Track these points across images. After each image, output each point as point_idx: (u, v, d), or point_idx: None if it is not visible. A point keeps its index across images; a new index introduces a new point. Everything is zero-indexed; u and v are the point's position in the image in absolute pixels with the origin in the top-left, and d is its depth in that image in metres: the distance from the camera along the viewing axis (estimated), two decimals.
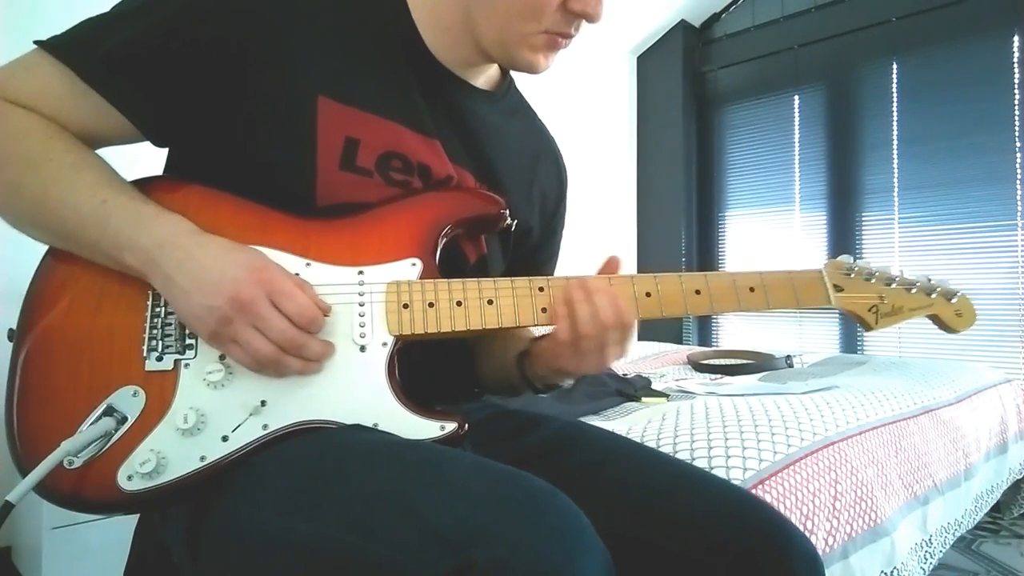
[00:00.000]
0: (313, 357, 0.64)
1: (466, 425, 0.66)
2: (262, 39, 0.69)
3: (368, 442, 0.62)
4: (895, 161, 3.08)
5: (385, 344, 0.67)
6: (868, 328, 0.81)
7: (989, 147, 2.81)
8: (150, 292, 0.66)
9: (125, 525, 0.84)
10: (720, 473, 1.10)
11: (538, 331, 0.79)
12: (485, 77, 0.84)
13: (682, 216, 3.72)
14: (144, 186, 0.69)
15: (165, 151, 0.78)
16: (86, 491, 0.61)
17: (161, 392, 0.63)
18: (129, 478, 0.60)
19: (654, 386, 1.89)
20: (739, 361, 2.42)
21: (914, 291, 0.81)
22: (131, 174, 0.70)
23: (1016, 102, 2.75)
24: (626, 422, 1.43)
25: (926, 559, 1.39)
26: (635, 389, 1.76)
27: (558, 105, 2.53)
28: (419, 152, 0.76)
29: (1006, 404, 2.09)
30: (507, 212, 0.77)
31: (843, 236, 3.24)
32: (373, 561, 0.51)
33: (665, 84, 3.81)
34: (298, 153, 0.70)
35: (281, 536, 0.56)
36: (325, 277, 0.68)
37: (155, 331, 0.65)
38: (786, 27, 3.46)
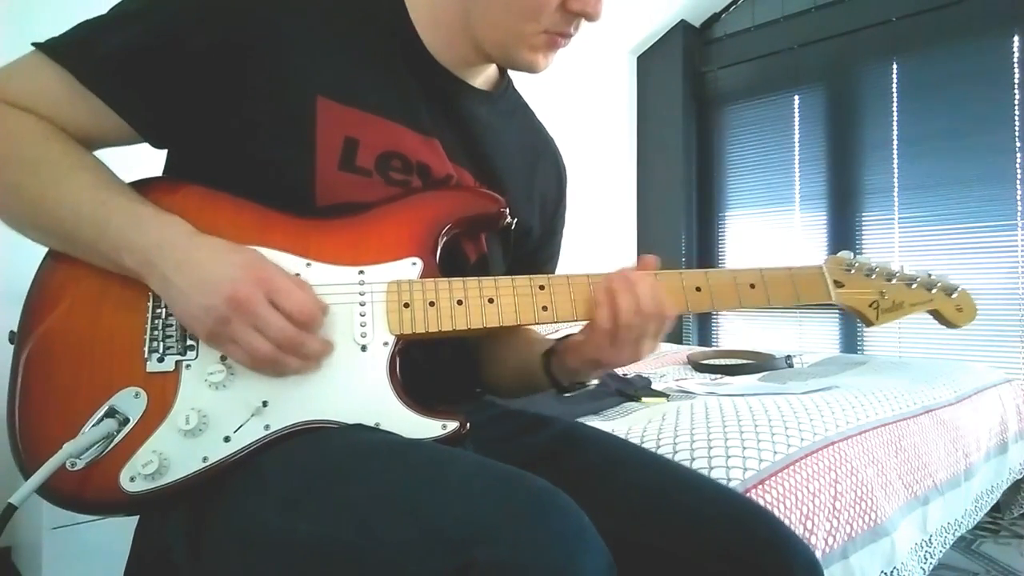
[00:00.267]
0: (312, 356, 0.64)
1: (468, 424, 0.66)
2: (260, 40, 0.69)
3: (370, 442, 0.62)
4: (895, 161, 3.08)
5: (386, 344, 0.67)
6: (869, 324, 0.81)
7: (989, 147, 2.81)
8: (150, 293, 0.66)
9: (125, 525, 0.84)
10: (720, 473, 1.10)
11: (567, 329, 0.80)
12: (483, 77, 0.84)
13: (682, 216, 3.72)
14: (143, 187, 0.69)
15: (164, 152, 0.78)
16: (88, 493, 0.61)
17: (163, 393, 0.63)
18: (131, 479, 0.60)
19: (654, 386, 1.89)
20: (739, 361, 2.42)
21: (914, 286, 0.81)
22: (130, 175, 0.70)
23: (1016, 102, 2.75)
24: (626, 422, 1.43)
25: (926, 559, 1.39)
26: (635, 389, 1.76)
27: (558, 105, 2.53)
28: (418, 151, 0.76)
29: (1006, 404, 2.09)
30: (507, 211, 0.77)
31: (843, 236, 3.24)
32: (375, 561, 0.51)
33: (665, 84, 3.81)
34: (297, 153, 0.70)
35: (283, 536, 0.56)
36: (326, 277, 0.68)
37: (156, 332, 0.65)
38: (786, 27, 3.46)
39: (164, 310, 0.66)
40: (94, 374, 0.63)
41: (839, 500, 1.17)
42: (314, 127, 0.70)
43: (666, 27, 3.77)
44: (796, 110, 3.45)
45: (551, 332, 1.18)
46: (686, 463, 1.13)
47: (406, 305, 0.69)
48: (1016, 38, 2.76)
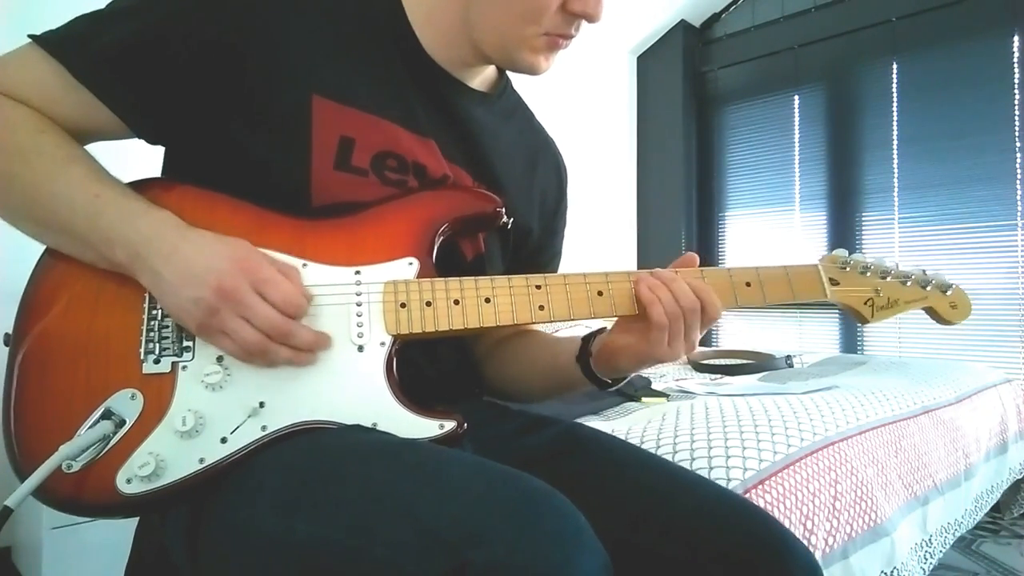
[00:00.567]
0: (303, 346, 0.64)
1: (465, 424, 0.66)
2: (256, 38, 0.69)
3: (367, 442, 0.62)
4: (895, 161, 3.07)
5: (383, 344, 0.67)
6: (864, 321, 0.81)
7: (989, 147, 2.80)
8: (146, 295, 0.66)
9: (125, 525, 0.84)
10: (720, 473, 1.10)
11: (595, 326, 0.80)
12: (481, 78, 0.83)
13: (682, 216, 3.72)
14: (139, 187, 0.69)
15: (161, 151, 0.78)
16: (85, 495, 0.61)
17: (159, 395, 0.63)
18: (128, 481, 0.60)
19: (654, 386, 1.88)
20: (739, 361, 2.42)
21: (909, 284, 0.82)
22: (128, 175, 0.70)
23: (1016, 102, 2.75)
24: (626, 422, 1.43)
25: (926, 559, 1.39)
26: (635, 389, 1.76)
27: (558, 105, 2.53)
28: (414, 151, 0.76)
29: (1006, 404, 2.08)
30: (503, 211, 0.77)
31: (843, 236, 3.23)
32: (371, 562, 0.51)
33: (665, 84, 3.81)
34: (293, 153, 0.70)
35: (279, 537, 0.56)
36: (322, 277, 0.68)
37: (152, 333, 0.65)
38: (786, 27, 3.45)
39: (160, 311, 0.65)
40: (90, 376, 0.63)
41: (839, 500, 1.17)
42: (309, 126, 0.70)
43: (666, 27, 3.76)
44: (796, 110, 3.45)
45: (553, 331, 1.17)
46: (686, 463, 1.13)
47: (403, 305, 0.69)
48: (1016, 38, 2.76)
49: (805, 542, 0.77)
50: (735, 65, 3.68)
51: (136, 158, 0.84)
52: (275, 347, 0.63)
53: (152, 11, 0.68)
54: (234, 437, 0.63)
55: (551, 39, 0.74)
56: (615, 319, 0.77)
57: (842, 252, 0.82)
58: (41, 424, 0.62)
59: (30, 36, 0.68)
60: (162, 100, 0.69)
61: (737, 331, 3.63)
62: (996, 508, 2.12)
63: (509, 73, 0.88)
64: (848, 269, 0.81)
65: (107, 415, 0.62)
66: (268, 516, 0.58)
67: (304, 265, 0.68)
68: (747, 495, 1.05)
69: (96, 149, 0.71)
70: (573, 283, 0.74)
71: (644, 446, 1.20)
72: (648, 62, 3.92)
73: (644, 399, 1.68)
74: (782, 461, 1.15)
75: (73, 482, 0.60)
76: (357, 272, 0.69)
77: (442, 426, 0.66)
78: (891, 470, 1.37)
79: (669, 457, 1.15)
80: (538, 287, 0.73)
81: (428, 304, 0.69)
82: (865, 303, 0.81)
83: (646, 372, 2.15)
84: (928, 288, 0.82)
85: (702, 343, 3.57)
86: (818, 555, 1.07)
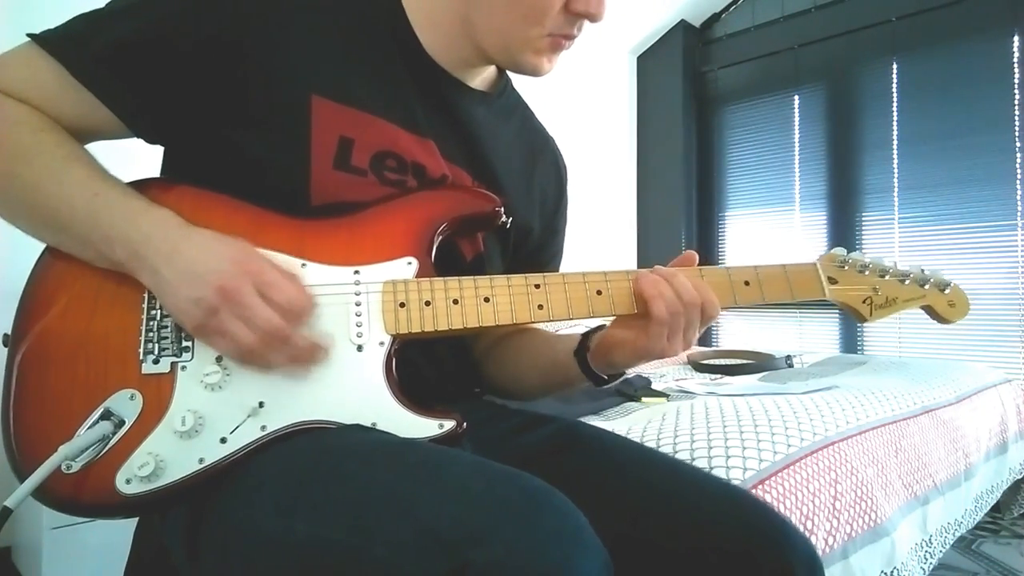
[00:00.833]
0: (300, 353, 0.64)
1: (464, 423, 0.66)
2: (255, 37, 0.69)
3: (366, 442, 0.62)
4: (895, 161, 3.07)
5: (382, 343, 0.67)
6: (862, 320, 0.81)
7: (989, 147, 2.80)
8: (145, 295, 0.66)
9: (125, 525, 0.84)
10: (720, 473, 1.10)
11: (594, 324, 0.80)
12: (481, 78, 0.83)
13: (682, 216, 3.72)
14: (139, 187, 0.69)
15: (160, 150, 0.78)
16: (84, 495, 0.60)
17: (158, 395, 0.63)
18: (128, 481, 0.60)
19: (654, 386, 1.88)
20: (739, 361, 2.42)
21: (907, 282, 0.82)
22: (127, 174, 0.70)
23: (1016, 102, 2.75)
24: (626, 422, 1.43)
25: (926, 559, 1.39)
26: (635, 389, 1.76)
27: (558, 105, 2.53)
28: (413, 151, 0.76)
29: (1006, 404, 2.08)
30: (502, 210, 0.77)
31: (843, 236, 3.23)
32: (371, 562, 0.51)
33: (665, 84, 3.81)
34: (292, 152, 0.70)
35: (279, 536, 0.56)
36: (321, 277, 0.68)
37: (151, 334, 0.65)
38: (786, 27, 3.45)
39: (159, 311, 0.65)
40: (89, 376, 0.63)
41: (839, 500, 1.17)
42: (308, 126, 0.70)
43: (666, 27, 3.77)
44: (796, 110, 3.45)
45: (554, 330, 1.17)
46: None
47: (402, 305, 0.69)
48: (1016, 38, 2.76)
49: (804, 534, 0.76)
50: (735, 65, 3.69)
51: (136, 158, 0.84)
52: (272, 350, 0.62)
53: (151, 10, 0.68)
54: (234, 437, 0.63)
55: (554, 40, 0.74)
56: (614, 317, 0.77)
57: (840, 251, 0.82)
58: (40, 424, 0.62)
59: (29, 35, 0.68)
60: (161, 99, 0.69)
61: (737, 331, 3.63)
62: (996, 508, 2.11)
63: (510, 73, 0.88)
64: (846, 268, 0.81)
65: (106, 415, 0.61)
66: (268, 516, 0.58)
67: (303, 265, 0.68)
68: None
69: (95, 149, 0.71)
70: (572, 282, 0.74)
71: None
72: (648, 62, 3.92)
73: (644, 399, 1.68)
74: (782, 461, 1.15)
75: (72, 482, 0.60)
76: (356, 272, 0.69)
77: (441, 425, 0.66)
78: (891, 470, 1.37)
79: None
80: (537, 286, 0.73)
81: (427, 304, 0.69)
82: (863, 302, 0.81)
83: (646, 372, 2.15)
84: (926, 286, 0.82)
85: (702, 343, 3.58)
86: None
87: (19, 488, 0.58)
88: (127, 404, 0.62)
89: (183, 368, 0.64)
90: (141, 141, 0.73)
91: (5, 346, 0.65)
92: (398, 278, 0.69)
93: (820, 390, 1.71)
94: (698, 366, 2.35)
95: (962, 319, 0.82)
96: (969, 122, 2.86)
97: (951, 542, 1.57)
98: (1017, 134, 2.74)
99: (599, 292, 0.74)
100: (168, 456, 0.61)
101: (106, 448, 0.61)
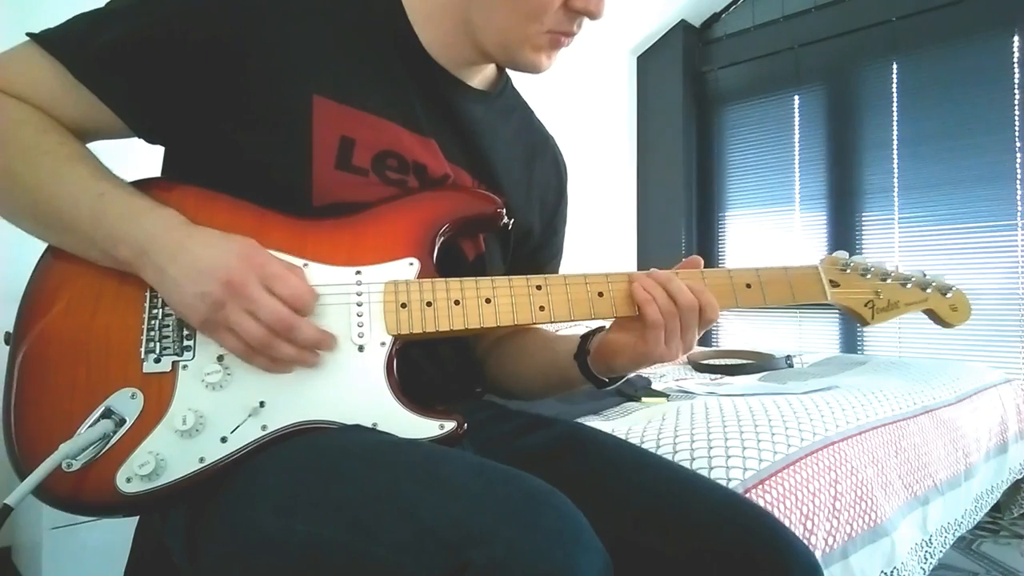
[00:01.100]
0: (306, 342, 0.64)
1: (465, 424, 0.66)
2: (256, 38, 0.69)
3: (367, 442, 0.62)
4: (895, 161, 3.07)
5: (383, 344, 0.67)
6: (864, 323, 0.82)
7: (989, 147, 2.80)
8: (147, 294, 0.66)
9: (125, 525, 0.84)
10: (720, 473, 1.10)
11: (594, 326, 0.80)
12: (481, 77, 0.83)
13: (682, 216, 3.72)
14: (141, 187, 0.69)
15: (161, 150, 0.78)
16: (85, 494, 0.61)
17: (159, 394, 0.63)
18: (128, 480, 0.60)
19: (654, 386, 1.88)
20: (739, 361, 2.42)
21: (909, 286, 0.82)
22: (127, 173, 0.70)
23: (1016, 102, 2.75)
24: (626, 422, 1.43)
25: (926, 559, 1.39)
26: (635, 389, 1.76)
27: (558, 105, 2.53)
28: (415, 151, 0.76)
29: (1006, 404, 2.08)
30: (504, 211, 0.77)
31: (843, 236, 3.23)
32: (371, 562, 0.51)
33: (665, 84, 3.81)
34: (293, 153, 0.70)
35: (279, 536, 0.56)
36: (322, 277, 0.68)
37: (153, 333, 0.65)
38: (786, 27, 3.45)
39: (161, 310, 0.66)
40: (90, 375, 0.63)
41: (839, 500, 1.17)
42: (310, 126, 0.70)
43: (666, 27, 3.77)
44: (796, 110, 3.45)
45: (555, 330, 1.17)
46: (686, 463, 1.13)
47: (403, 305, 0.69)
48: (1016, 38, 2.76)
49: (805, 542, 0.76)
50: (735, 65, 3.69)
51: (136, 158, 0.84)
52: (278, 343, 0.62)
53: (152, 10, 0.68)
54: (234, 436, 0.63)
55: (553, 37, 0.74)
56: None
57: (843, 254, 0.82)
58: (41, 423, 0.62)
59: (29, 34, 0.68)
60: (161, 99, 0.69)
61: (737, 331, 3.63)
62: (996, 508, 2.12)
63: (509, 71, 0.88)
64: (848, 271, 0.81)
65: (107, 414, 0.62)
66: (268, 516, 0.58)
67: (305, 265, 0.68)
68: (747, 495, 1.05)
69: (95, 149, 0.71)
70: (574, 284, 0.74)
71: (644, 446, 1.20)
72: (648, 62, 3.92)
73: (644, 399, 1.69)
74: (782, 461, 1.15)
75: (73, 481, 0.60)
76: (358, 272, 0.69)
77: (442, 426, 0.66)
78: (891, 470, 1.37)
79: (669, 457, 1.15)
80: (539, 288, 0.73)
81: (428, 304, 0.69)
82: (865, 305, 0.81)
83: (646, 372, 2.15)
84: (928, 290, 0.82)
85: (702, 343, 3.58)
86: (818, 555, 1.07)
87: (20, 486, 0.58)
88: (128, 403, 0.62)
89: (184, 367, 0.64)
90: (141, 141, 0.73)
91: (7, 344, 0.65)
92: (400, 279, 0.69)
93: (820, 390, 1.71)
94: (698, 366, 2.36)
95: (964, 323, 0.82)
96: (969, 122, 2.86)
97: (951, 542, 1.57)
98: (1017, 134, 2.74)
99: (600, 294, 0.74)
100: (169, 455, 0.61)
101: (107, 447, 0.61)
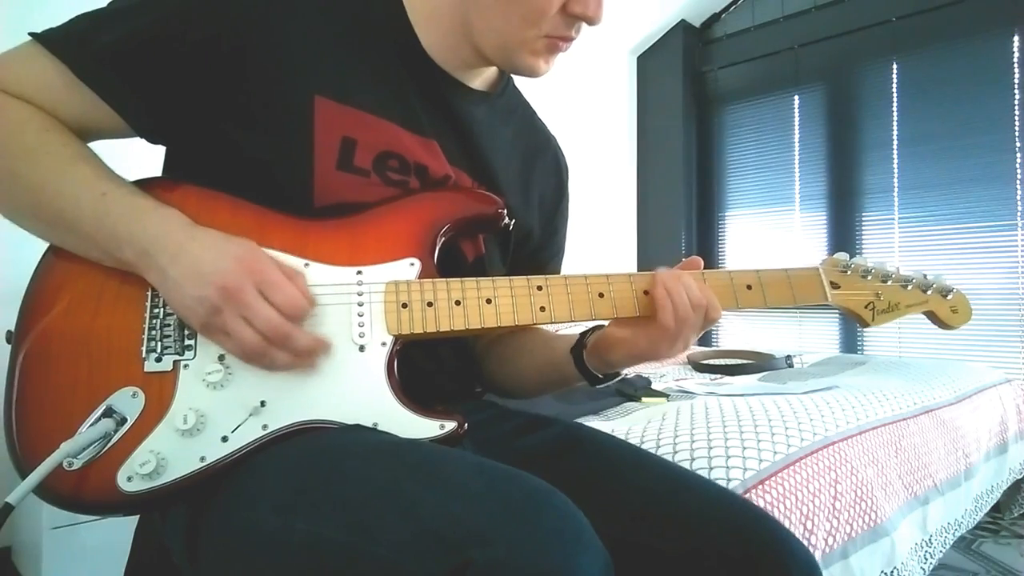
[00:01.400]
0: (300, 350, 0.64)
1: (465, 424, 0.66)
2: (258, 39, 0.69)
3: (367, 442, 0.62)
4: (895, 161, 3.07)
5: (384, 344, 0.67)
6: (865, 325, 0.82)
7: (989, 147, 2.80)
8: (148, 293, 0.66)
9: (125, 525, 0.84)
10: (720, 473, 1.10)
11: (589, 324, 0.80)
12: (482, 78, 0.83)
13: (682, 216, 3.72)
14: (142, 187, 0.69)
15: (162, 150, 0.78)
16: (86, 492, 0.61)
17: (160, 393, 0.63)
18: (129, 479, 0.60)
19: (654, 386, 1.88)
20: (739, 361, 2.42)
21: (910, 288, 0.82)
22: (127, 173, 0.70)
23: (1016, 102, 2.75)
24: (626, 422, 1.43)
25: (926, 559, 1.39)
26: (635, 389, 1.76)
27: (558, 105, 2.52)
28: (416, 152, 0.76)
29: (1006, 404, 2.08)
30: (505, 212, 0.77)
31: (843, 236, 3.23)
32: (371, 561, 0.51)
33: (665, 84, 3.81)
34: (295, 153, 0.70)
35: (279, 536, 0.56)
36: (323, 277, 0.68)
37: (154, 332, 0.65)
38: (786, 27, 3.45)
39: (162, 309, 0.66)
40: (92, 374, 0.63)
41: (839, 500, 1.17)
42: (312, 127, 0.70)
43: (666, 27, 3.77)
44: (796, 110, 3.45)
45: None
46: (686, 463, 1.13)
47: (404, 305, 0.69)
48: (1016, 38, 2.76)
49: (805, 542, 0.77)
50: (735, 65, 3.68)
51: (137, 158, 0.84)
52: (273, 350, 0.62)
53: (154, 10, 0.68)
54: (235, 436, 0.63)
55: (551, 41, 0.74)
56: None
57: (843, 255, 0.82)
58: (43, 422, 0.62)
59: (31, 34, 0.68)
60: (163, 99, 0.69)
61: (737, 331, 3.63)
62: (996, 508, 2.11)
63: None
64: (849, 273, 0.81)
65: (108, 413, 0.62)
66: (268, 515, 0.58)
67: (306, 265, 0.68)
68: (747, 495, 1.05)
69: (96, 149, 0.71)
70: (574, 284, 0.74)
71: (644, 446, 1.20)
72: (648, 62, 3.92)
73: (644, 399, 1.68)
74: (782, 461, 1.15)
75: (74, 480, 0.60)
76: (359, 272, 0.69)
77: (443, 426, 0.66)
78: (891, 470, 1.37)
79: (669, 457, 1.15)
80: (539, 288, 0.73)
81: (429, 304, 0.69)
82: (866, 307, 0.81)
83: (646, 372, 2.15)
84: (929, 292, 0.82)
85: (702, 343, 3.58)
86: (818, 555, 1.07)
87: (21, 485, 0.58)
88: (129, 402, 0.62)
89: (185, 366, 0.64)
90: (142, 141, 0.73)
91: (9, 343, 0.65)
92: (400, 279, 0.69)
93: (820, 390, 1.71)
94: (698, 366, 2.36)
95: (965, 325, 0.82)
96: (969, 122, 2.86)
97: (951, 542, 1.57)
98: (1017, 134, 2.74)
99: (601, 295, 0.74)
100: (169, 454, 0.61)
101: (108, 446, 0.61)
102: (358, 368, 0.66)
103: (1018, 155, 2.74)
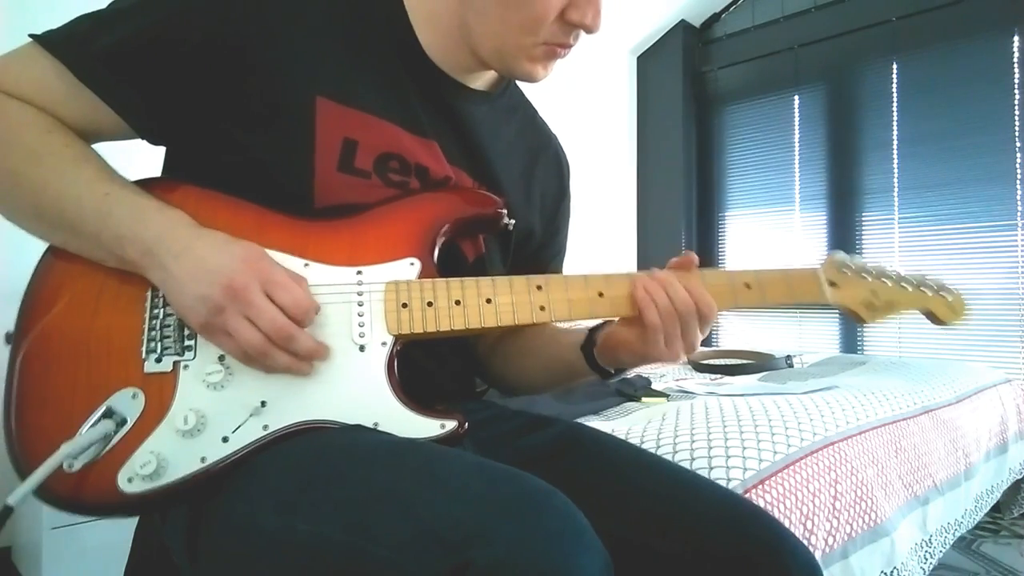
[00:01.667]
0: (302, 353, 0.64)
1: (466, 424, 0.66)
2: (260, 40, 0.69)
3: (368, 442, 0.62)
4: (895, 161, 3.07)
5: (384, 344, 0.67)
6: (862, 323, 0.82)
7: (989, 147, 2.80)
8: (148, 293, 0.66)
9: (125, 525, 0.84)
10: (720, 473, 1.10)
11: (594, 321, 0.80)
12: (483, 79, 0.83)
13: (682, 216, 3.72)
14: (142, 187, 0.69)
15: (162, 151, 0.78)
16: (86, 494, 0.60)
17: (160, 394, 0.63)
18: (129, 480, 0.60)
19: (654, 386, 1.88)
20: (739, 361, 2.42)
21: (907, 287, 0.83)
22: (128, 173, 0.70)
23: (1016, 102, 2.75)
24: (626, 422, 1.43)
25: (926, 559, 1.39)
26: (635, 389, 1.76)
27: (558, 105, 2.52)
28: (416, 153, 0.76)
29: (1006, 404, 2.08)
30: (505, 212, 0.77)
31: (843, 236, 3.23)
32: (371, 561, 0.51)
33: (665, 84, 3.81)
34: (296, 154, 0.70)
35: (280, 536, 0.56)
36: (323, 277, 0.68)
37: (154, 332, 0.65)
38: (786, 27, 3.45)
39: (162, 310, 0.66)
40: (91, 375, 0.63)
41: (839, 500, 1.17)
42: (313, 128, 0.70)
43: (666, 27, 3.77)
44: (796, 110, 3.45)
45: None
46: (686, 463, 1.13)
47: (404, 305, 0.69)
48: (1016, 38, 2.76)
49: (805, 542, 0.77)
50: (735, 65, 3.68)
51: (137, 158, 0.84)
52: (275, 351, 0.62)
53: (154, 11, 0.68)
54: (235, 436, 0.63)
55: (549, 48, 0.73)
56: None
57: (841, 255, 0.82)
58: (42, 423, 0.62)
59: (31, 35, 0.68)
60: (164, 100, 0.69)
61: (737, 331, 3.63)
62: (996, 508, 2.11)
63: None
64: (847, 272, 0.82)
65: (108, 414, 0.61)
66: (269, 515, 0.58)
67: (306, 265, 0.68)
68: (747, 495, 1.05)
69: (96, 150, 0.71)
70: (574, 284, 0.74)
71: (644, 446, 1.20)
72: (648, 62, 3.92)
73: (644, 399, 1.68)
74: (782, 461, 1.15)
75: (74, 481, 0.60)
76: (359, 272, 0.69)
77: (443, 426, 0.66)
78: (891, 470, 1.37)
79: (669, 457, 1.15)
80: (539, 288, 0.73)
81: (429, 304, 0.69)
82: (863, 305, 0.81)
83: (646, 372, 2.15)
84: (925, 290, 0.83)
85: (702, 343, 3.57)
86: (818, 555, 1.07)
87: (21, 486, 0.58)
88: (129, 403, 0.62)
89: (185, 367, 0.64)
90: (143, 142, 0.73)
91: (8, 344, 0.65)
92: (401, 279, 0.69)
93: (820, 390, 1.71)
94: (698, 366, 2.36)
95: (960, 322, 0.83)
96: (969, 122, 2.86)
97: (951, 542, 1.57)
98: (1017, 134, 2.74)
99: (601, 294, 0.74)
100: (170, 455, 0.61)
101: (108, 447, 0.61)
102: (358, 368, 0.66)
103: (1018, 155, 2.74)
